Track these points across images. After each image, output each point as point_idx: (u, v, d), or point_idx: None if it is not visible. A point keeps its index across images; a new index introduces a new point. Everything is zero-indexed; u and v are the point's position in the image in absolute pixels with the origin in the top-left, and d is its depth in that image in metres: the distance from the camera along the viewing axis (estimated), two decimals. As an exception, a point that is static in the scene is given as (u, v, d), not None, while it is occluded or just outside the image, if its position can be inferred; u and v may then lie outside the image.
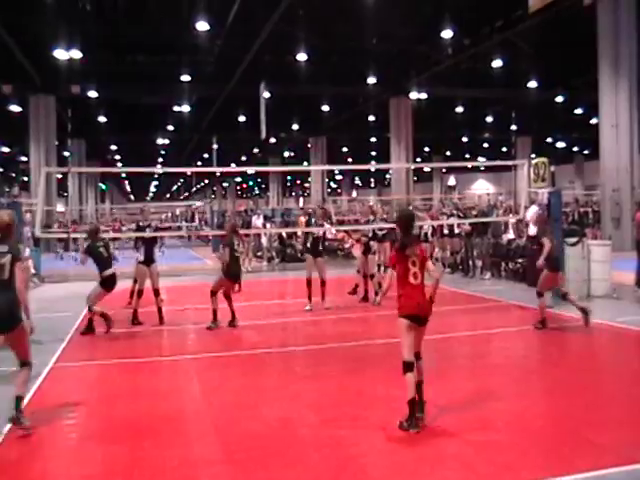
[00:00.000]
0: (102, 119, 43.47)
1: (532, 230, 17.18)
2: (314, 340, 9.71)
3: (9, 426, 6.35)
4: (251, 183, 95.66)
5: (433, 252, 20.36)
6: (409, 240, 6.53)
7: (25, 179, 49.21)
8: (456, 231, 19.05)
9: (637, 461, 5.19)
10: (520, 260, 17.04)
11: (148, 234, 12.70)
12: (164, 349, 10.53)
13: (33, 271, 19.16)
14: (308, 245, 13.87)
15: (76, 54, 28.08)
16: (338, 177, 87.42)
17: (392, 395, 7.26)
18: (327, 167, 53.53)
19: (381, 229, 21.41)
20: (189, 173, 69.01)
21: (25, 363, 6.70)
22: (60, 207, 44.41)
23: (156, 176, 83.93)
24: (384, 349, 9.80)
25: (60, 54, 27.91)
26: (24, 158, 46.20)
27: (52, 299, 16.74)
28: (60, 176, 46.76)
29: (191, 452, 5.78)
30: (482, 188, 74.60)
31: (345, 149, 63.75)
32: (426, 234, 20.56)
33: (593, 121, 36.76)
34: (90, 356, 9.77)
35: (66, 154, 49.32)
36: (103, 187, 78.43)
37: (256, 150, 61.82)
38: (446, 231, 19.40)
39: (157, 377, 8.56)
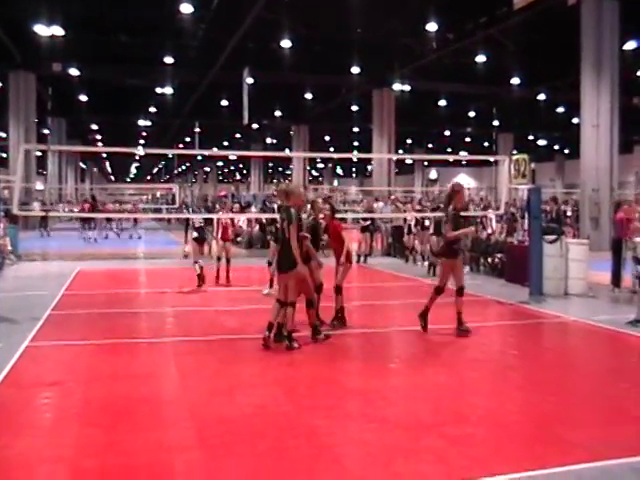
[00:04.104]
0: (83, 98, 43.04)
1: None
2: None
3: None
4: (232, 168, 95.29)
5: (414, 243, 20.27)
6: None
7: (4, 155, 48.72)
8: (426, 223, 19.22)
9: (607, 457, 5.25)
10: (499, 255, 17.12)
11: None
12: (142, 331, 10.49)
13: (10, 248, 19.04)
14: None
15: (58, 31, 27.62)
16: (320, 165, 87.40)
17: (368, 386, 7.31)
18: (309, 155, 53.67)
19: (364, 219, 21.48)
20: (170, 155, 68.63)
21: (284, 303, 8.94)
22: (39, 185, 44.07)
23: (137, 158, 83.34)
24: (362, 339, 9.87)
25: (41, 30, 27.44)
26: (3, 134, 45.74)
27: (29, 278, 16.65)
28: (40, 154, 46.35)
29: (165, 436, 5.76)
30: (463, 182, 74.86)
31: (327, 138, 63.75)
32: (410, 226, 20.38)
33: (574, 120, 37.02)
34: (67, 336, 9.69)
35: (46, 132, 48.88)
36: (84, 166, 77.94)
37: (238, 136, 61.66)
38: (427, 223, 19.37)
39: (134, 359, 8.53)
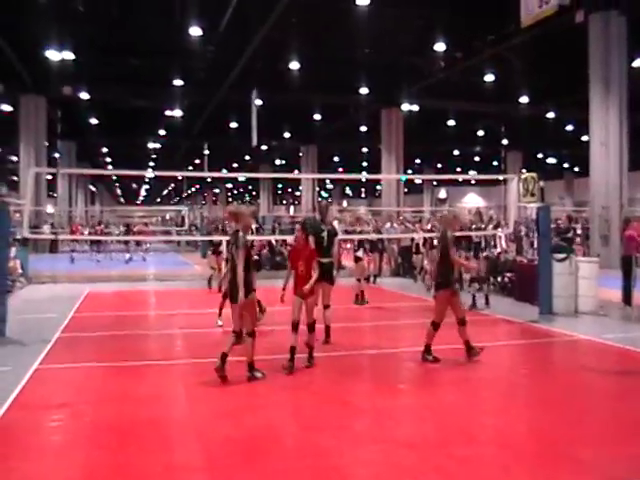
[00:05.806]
0: (93, 121, 43.33)
1: None
2: (300, 349, 9.70)
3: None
4: (241, 190, 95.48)
5: (423, 263, 20.20)
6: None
7: (15, 179, 49.03)
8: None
9: (617, 477, 5.19)
10: (508, 274, 17.04)
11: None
12: (150, 353, 10.47)
13: (20, 271, 19.10)
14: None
15: (68, 55, 28.01)
16: (329, 186, 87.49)
17: (377, 406, 7.27)
18: (318, 176, 53.58)
19: (371, 240, 21.41)
20: (180, 178, 68.86)
21: (250, 333, 8.33)
22: (50, 208, 44.29)
23: (147, 180, 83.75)
24: (370, 360, 9.81)
25: (52, 55, 27.83)
26: (14, 158, 46.02)
27: (38, 300, 16.68)
28: (50, 177, 46.60)
29: (174, 458, 5.75)
30: (472, 202, 74.82)
31: (336, 159, 63.84)
32: (417, 244, 20.35)
33: (584, 138, 36.97)
34: (76, 358, 9.70)
35: (56, 155, 49.19)
36: (93, 189, 78.35)
37: (247, 157, 61.82)
38: (436, 242, 19.36)
39: (143, 381, 8.52)
